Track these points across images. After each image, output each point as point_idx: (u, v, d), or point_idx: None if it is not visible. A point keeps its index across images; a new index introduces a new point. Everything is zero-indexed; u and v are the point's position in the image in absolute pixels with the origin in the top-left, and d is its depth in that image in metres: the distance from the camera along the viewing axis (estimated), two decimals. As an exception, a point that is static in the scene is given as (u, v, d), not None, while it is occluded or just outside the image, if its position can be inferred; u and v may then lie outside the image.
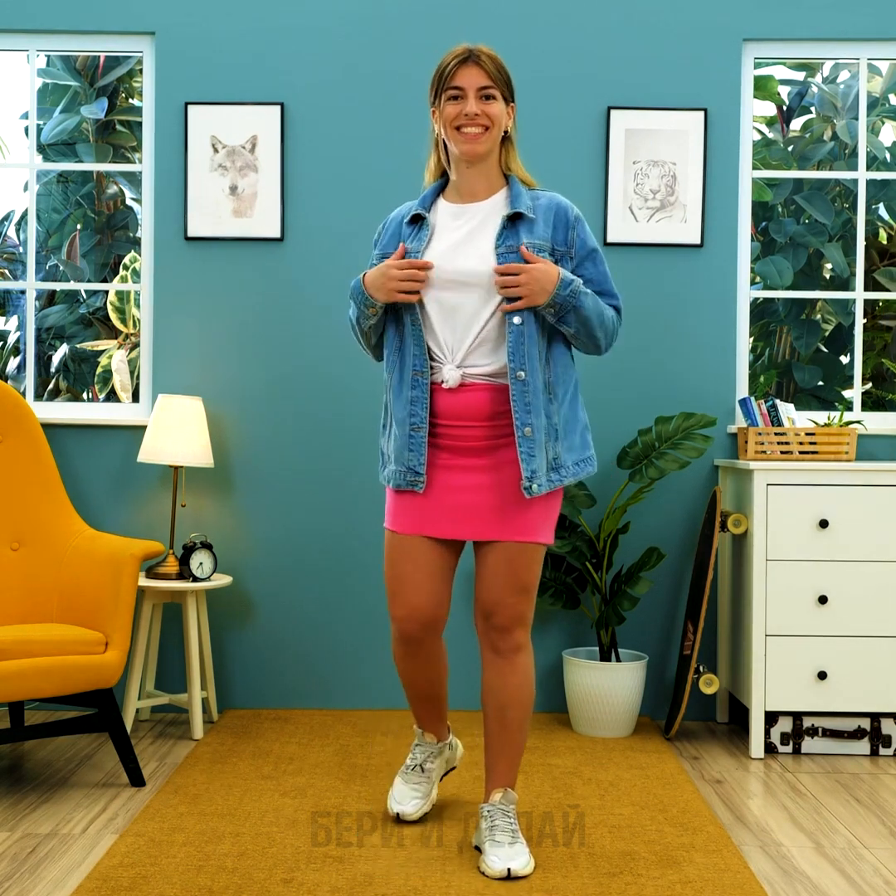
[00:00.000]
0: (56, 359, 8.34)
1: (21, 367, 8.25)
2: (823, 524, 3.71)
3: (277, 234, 4.21)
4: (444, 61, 2.67)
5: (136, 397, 7.30)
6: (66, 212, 8.28)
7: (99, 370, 8.00)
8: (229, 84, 4.22)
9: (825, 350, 7.71)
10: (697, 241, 4.20)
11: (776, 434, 3.92)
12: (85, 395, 8.38)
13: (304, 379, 4.22)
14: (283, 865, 2.69)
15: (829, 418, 4.06)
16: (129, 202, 8.51)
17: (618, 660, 4.01)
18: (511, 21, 4.20)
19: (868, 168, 7.16)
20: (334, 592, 4.22)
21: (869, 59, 4.38)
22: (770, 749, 3.77)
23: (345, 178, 4.22)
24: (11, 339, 8.52)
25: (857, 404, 4.36)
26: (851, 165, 7.45)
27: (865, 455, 4.16)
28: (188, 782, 3.32)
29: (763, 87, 7.57)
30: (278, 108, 4.20)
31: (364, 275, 2.73)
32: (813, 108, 7.83)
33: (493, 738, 2.76)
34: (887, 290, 7.39)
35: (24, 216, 8.40)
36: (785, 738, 3.77)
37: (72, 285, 6.50)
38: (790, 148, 7.75)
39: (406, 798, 3.00)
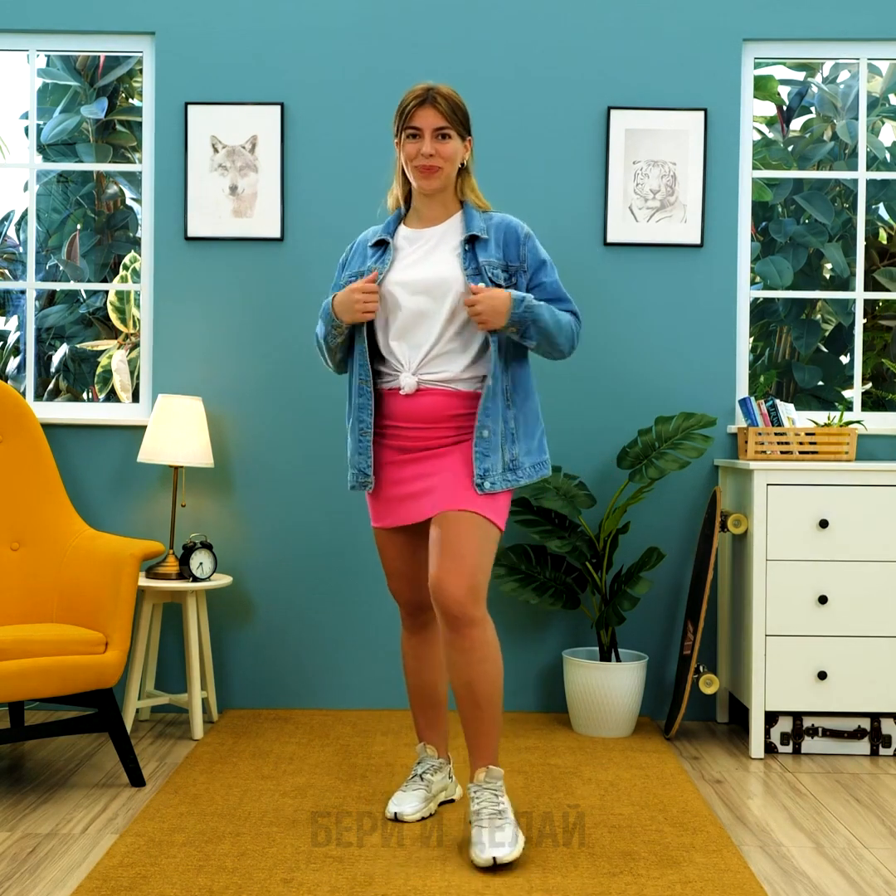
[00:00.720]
0: (56, 359, 8.34)
1: (21, 367, 8.25)
2: (823, 524, 3.71)
3: (277, 234, 4.22)
4: (404, 100, 2.89)
5: (136, 397, 7.30)
6: (66, 212, 8.28)
7: (99, 370, 8.00)
8: (229, 84, 4.22)
9: (825, 350, 7.72)
10: (697, 241, 4.20)
11: (776, 434, 3.92)
12: (85, 395, 8.38)
13: (304, 379, 4.22)
14: (283, 865, 2.69)
15: (829, 418, 4.06)
16: (129, 202, 8.51)
17: (618, 660, 4.01)
18: (511, 21, 4.20)
19: (868, 168, 7.16)
20: (334, 592, 4.22)
21: (869, 59, 4.38)
22: (770, 749, 3.77)
23: (344, 178, 4.22)
24: (11, 340, 8.52)
25: (857, 404, 4.36)
26: (851, 165, 7.45)
27: (865, 455, 4.16)
28: (188, 782, 3.32)
29: (763, 87, 7.57)
30: (278, 108, 4.20)
31: (333, 297, 2.91)
32: (813, 108, 7.83)
33: (467, 719, 2.81)
34: (887, 290, 7.39)
35: (24, 216, 8.40)
36: (785, 738, 3.77)
37: (72, 285, 6.50)
38: (790, 148, 7.75)
39: (404, 800, 3.03)
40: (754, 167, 6.49)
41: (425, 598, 2.99)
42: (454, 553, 2.76)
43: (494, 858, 2.64)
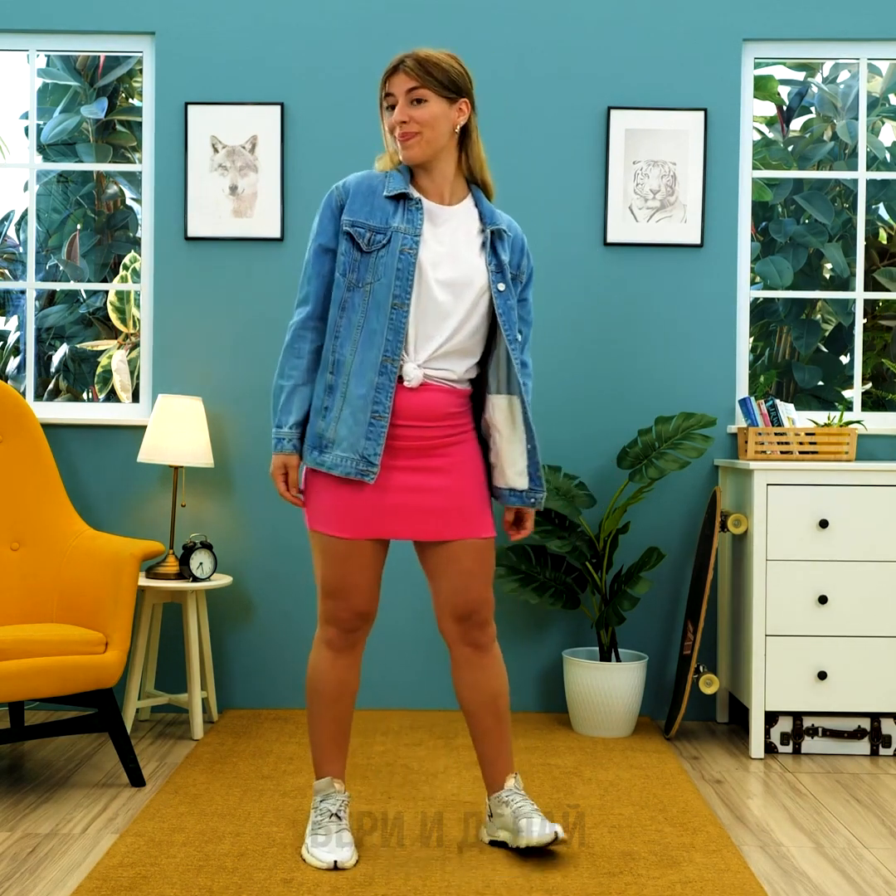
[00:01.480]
0: (56, 359, 8.34)
1: (21, 367, 8.25)
2: (823, 524, 3.71)
3: (277, 234, 4.22)
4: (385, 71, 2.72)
5: (136, 397, 7.30)
6: (66, 212, 8.28)
7: (99, 370, 8.01)
8: (229, 84, 4.22)
9: (825, 350, 7.72)
10: (697, 241, 4.20)
11: (776, 434, 3.92)
12: (85, 395, 8.38)
13: (304, 379, 4.21)
14: (283, 865, 2.69)
15: (829, 418, 4.06)
16: (129, 202, 8.52)
17: (618, 660, 4.01)
18: (511, 21, 4.20)
19: (868, 168, 7.16)
20: (334, 592, 4.21)
21: (869, 59, 4.38)
22: (770, 749, 3.77)
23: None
24: (11, 340, 8.52)
25: (857, 404, 4.37)
26: (851, 165, 7.45)
27: (865, 455, 4.17)
28: (188, 782, 3.32)
29: (763, 87, 7.57)
30: (278, 108, 4.20)
31: (278, 450, 2.71)
32: (813, 108, 7.84)
33: (490, 732, 2.80)
34: (887, 290, 7.39)
35: (24, 216, 8.40)
36: (785, 738, 3.77)
37: (72, 285, 6.44)
38: (790, 148, 7.76)
39: (336, 847, 2.69)
40: (754, 167, 6.49)
41: (371, 611, 2.75)
42: (489, 580, 2.78)
43: (556, 832, 2.68)
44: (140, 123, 6.15)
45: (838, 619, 3.71)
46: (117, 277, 8.11)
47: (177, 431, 3.95)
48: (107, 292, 8.07)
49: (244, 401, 4.23)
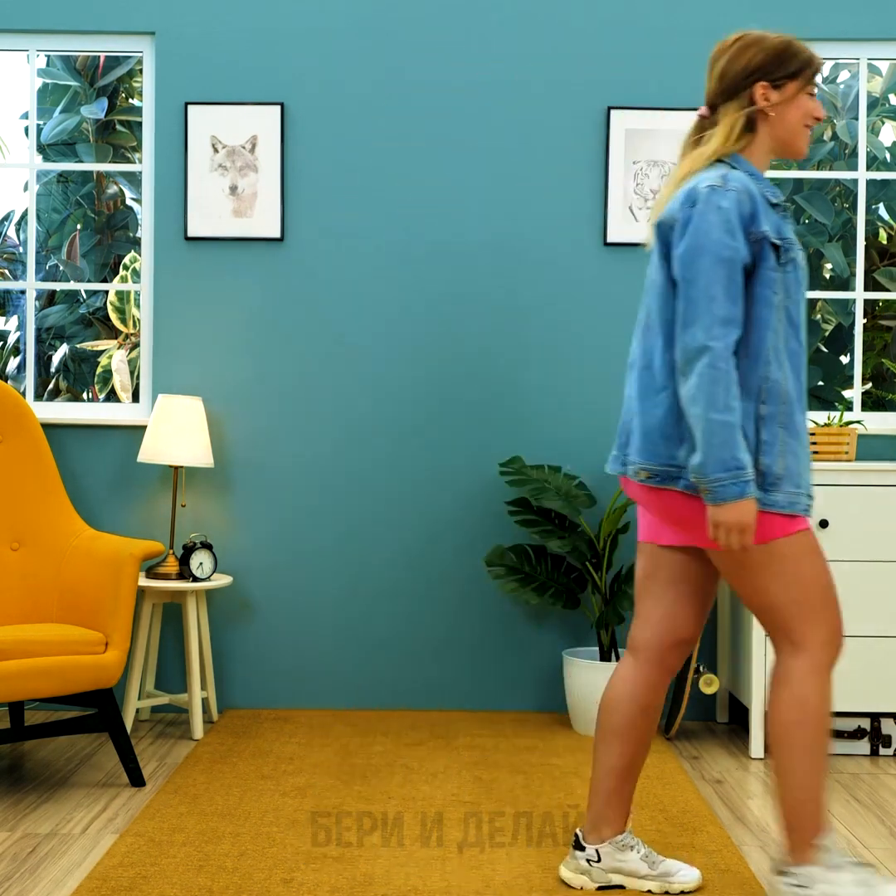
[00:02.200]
0: (56, 359, 8.34)
1: (21, 367, 8.25)
2: (823, 524, 3.71)
3: (277, 235, 4.22)
4: (808, 53, 2.44)
5: (136, 397, 7.30)
6: (66, 212, 8.28)
7: (99, 370, 8.01)
8: (229, 84, 4.22)
9: (825, 350, 7.72)
10: (697, 241, 4.20)
11: (776, 434, 3.91)
12: (85, 395, 8.38)
13: (305, 379, 4.22)
14: (284, 865, 2.69)
15: (829, 418, 4.06)
16: (129, 202, 8.52)
17: (618, 659, 4.01)
18: (511, 21, 4.20)
19: (868, 168, 7.16)
20: (334, 592, 4.22)
21: (869, 59, 4.38)
22: (770, 749, 3.77)
23: (345, 178, 4.22)
24: (11, 340, 8.52)
25: (858, 404, 4.36)
26: (851, 165, 7.45)
27: (865, 455, 4.16)
28: (188, 782, 3.32)
29: (763, 87, 7.56)
30: (278, 108, 4.20)
31: (746, 494, 2.23)
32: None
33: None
34: (887, 290, 7.39)
35: (24, 216, 8.40)
36: (785, 738, 3.76)
37: (72, 285, 6.40)
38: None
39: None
40: (754, 167, 6.49)
41: None
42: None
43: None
44: (140, 123, 6.15)
45: (838, 619, 3.71)
46: (117, 277, 8.12)
47: (177, 431, 3.95)
48: (107, 292, 8.07)
49: (244, 401, 4.23)
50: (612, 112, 4.18)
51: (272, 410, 4.23)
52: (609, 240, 4.21)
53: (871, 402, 7.40)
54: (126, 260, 8.06)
